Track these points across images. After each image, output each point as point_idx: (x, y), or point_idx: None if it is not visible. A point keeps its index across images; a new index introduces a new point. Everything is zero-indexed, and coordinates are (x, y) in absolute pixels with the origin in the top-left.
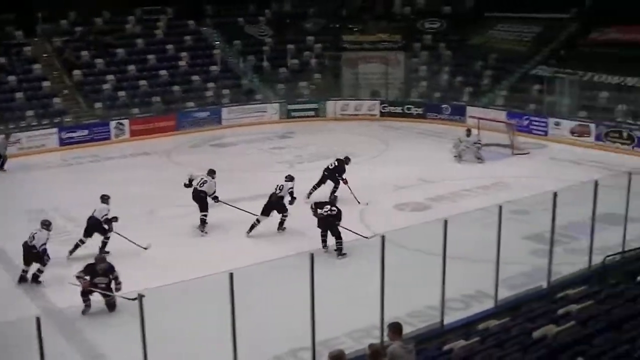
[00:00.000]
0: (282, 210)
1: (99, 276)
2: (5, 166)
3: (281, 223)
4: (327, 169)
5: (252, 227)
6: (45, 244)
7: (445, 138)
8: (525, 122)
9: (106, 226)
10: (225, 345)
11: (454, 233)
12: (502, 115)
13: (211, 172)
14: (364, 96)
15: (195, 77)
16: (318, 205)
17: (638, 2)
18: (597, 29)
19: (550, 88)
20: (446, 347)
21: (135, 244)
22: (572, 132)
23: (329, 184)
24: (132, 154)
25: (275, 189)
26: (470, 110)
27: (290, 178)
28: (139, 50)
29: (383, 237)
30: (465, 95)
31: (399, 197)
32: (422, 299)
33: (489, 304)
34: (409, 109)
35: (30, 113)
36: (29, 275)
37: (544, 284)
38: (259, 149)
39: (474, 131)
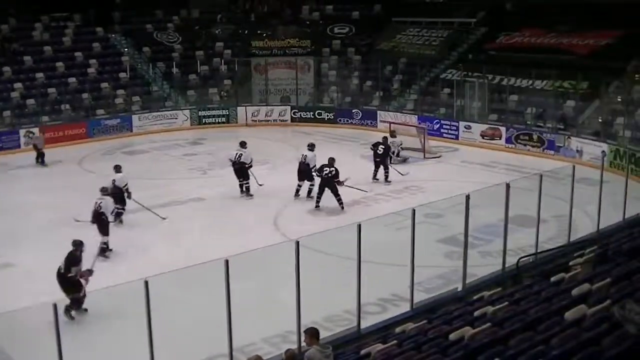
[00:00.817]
0: (311, 178)
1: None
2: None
3: (309, 191)
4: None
5: (297, 191)
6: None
7: (357, 142)
8: (436, 126)
9: (126, 194)
10: (142, 352)
11: (368, 237)
12: (413, 119)
13: (243, 144)
14: (274, 102)
15: (104, 85)
16: (320, 169)
17: (544, 7)
18: (504, 33)
19: (459, 92)
20: (363, 351)
21: (153, 212)
22: (483, 136)
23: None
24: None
25: (301, 158)
26: (382, 115)
27: (311, 147)
28: (47, 58)
29: (297, 243)
30: (376, 99)
31: (312, 202)
32: (339, 303)
33: (405, 307)
34: (320, 114)
35: None
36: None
37: (460, 287)
38: (170, 156)
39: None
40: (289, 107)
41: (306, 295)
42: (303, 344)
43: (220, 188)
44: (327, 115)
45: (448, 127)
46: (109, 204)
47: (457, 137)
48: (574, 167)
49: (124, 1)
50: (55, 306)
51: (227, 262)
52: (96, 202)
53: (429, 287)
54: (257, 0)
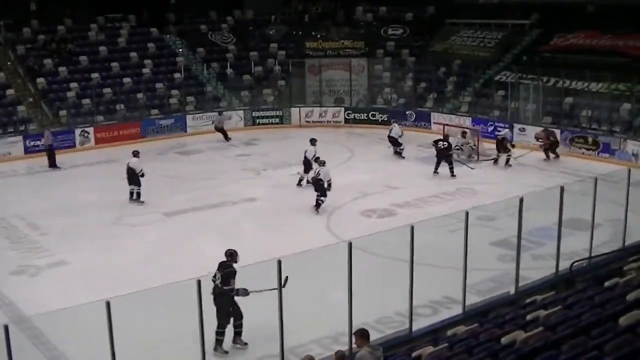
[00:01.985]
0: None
1: None
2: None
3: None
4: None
5: (300, 181)
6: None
7: (409, 144)
8: (490, 128)
9: (141, 177)
10: (194, 352)
11: (420, 239)
12: (467, 121)
13: (322, 163)
14: (328, 103)
15: (159, 85)
16: (436, 141)
17: (598, 9)
18: (559, 34)
19: (514, 94)
20: (414, 354)
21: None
22: (537, 138)
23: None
24: (98, 162)
25: (305, 152)
26: (435, 117)
27: (313, 142)
28: (103, 58)
29: (350, 244)
30: (430, 101)
31: (365, 203)
32: (390, 305)
33: (457, 310)
34: (373, 115)
35: None
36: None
37: (512, 290)
38: (224, 156)
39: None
40: (343, 108)
41: (358, 297)
42: (354, 345)
43: (272, 189)
44: (381, 117)
45: (502, 129)
46: (326, 172)
47: (511, 140)
48: (629, 170)
49: (179, 2)
50: (108, 304)
51: (279, 262)
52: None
53: (481, 289)
54: (310, 2)
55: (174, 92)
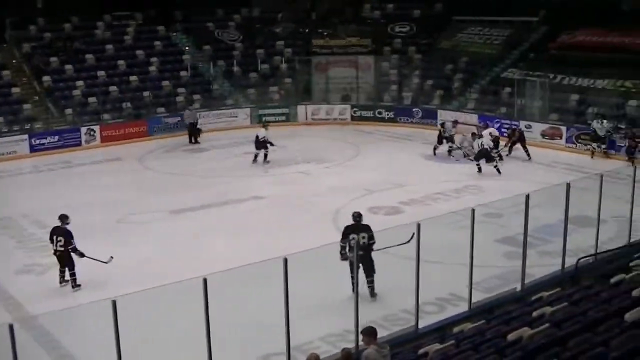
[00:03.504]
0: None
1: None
2: None
3: (265, 156)
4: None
5: (255, 157)
6: None
7: (416, 141)
8: (497, 125)
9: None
10: (200, 350)
11: (427, 236)
12: (473, 118)
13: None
14: (334, 100)
15: (165, 83)
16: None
17: (605, 5)
18: (566, 31)
19: (520, 91)
20: (421, 351)
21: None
22: (544, 135)
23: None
24: (104, 160)
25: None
26: (442, 114)
27: (265, 126)
28: (109, 56)
29: (357, 241)
30: (436, 98)
31: (372, 200)
32: (397, 302)
33: (463, 307)
34: (380, 112)
35: None
36: None
37: (518, 287)
38: (231, 154)
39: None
40: (349, 105)
41: (365, 294)
42: (361, 343)
43: (279, 186)
44: (387, 114)
45: (508, 126)
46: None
47: None
48: (634, 167)
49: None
50: (114, 303)
51: (285, 260)
52: None
53: (488, 287)
54: None
55: (181, 90)
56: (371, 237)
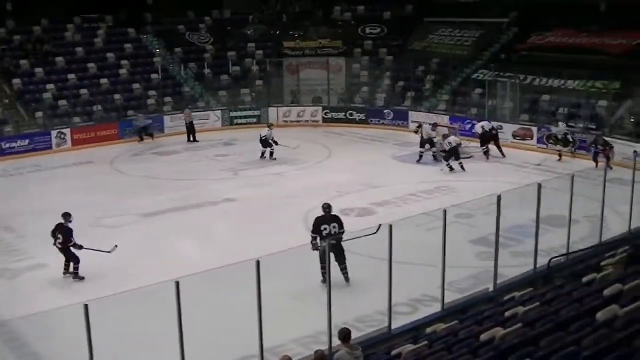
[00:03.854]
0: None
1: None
2: None
3: (271, 154)
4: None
5: (262, 154)
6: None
7: (388, 143)
8: (468, 126)
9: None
10: (172, 354)
11: (399, 237)
12: (444, 119)
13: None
14: (305, 102)
15: (136, 85)
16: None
17: (576, 7)
18: (536, 32)
19: (491, 92)
20: (394, 352)
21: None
22: (515, 136)
23: None
24: (75, 163)
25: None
26: (413, 115)
27: (270, 126)
28: (79, 59)
29: (328, 243)
30: (408, 100)
31: (343, 202)
32: (370, 303)
33: (436, 308)
34: (351, 114)
35: None
36: None
37: (490, 287)
38: (202, 157)
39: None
40: (321, 107)
41: (337, 296)
42: (334, 344)
43: (251, 188)
44: (359, 116)
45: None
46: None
47: None
48: (606, 167)
49: (156, 2)
50: (86, 307)
51: (258, 262)
52: None
53: (460, 287)
54: (288, 1)
55: (152, 92)
56: (341, 225)
